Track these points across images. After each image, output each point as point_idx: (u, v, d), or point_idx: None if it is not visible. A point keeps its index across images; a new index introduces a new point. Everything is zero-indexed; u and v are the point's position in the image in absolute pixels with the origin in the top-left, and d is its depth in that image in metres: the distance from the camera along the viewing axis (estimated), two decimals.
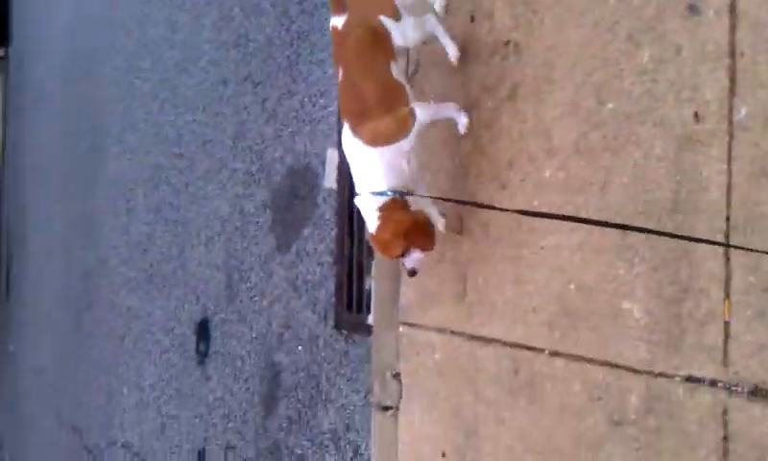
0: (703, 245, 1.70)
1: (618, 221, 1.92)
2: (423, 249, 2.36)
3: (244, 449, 4.44)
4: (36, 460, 9.10)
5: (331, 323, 3.67)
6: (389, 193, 2.29)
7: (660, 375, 1.86)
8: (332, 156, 3.68)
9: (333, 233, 3.71)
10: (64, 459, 7.85)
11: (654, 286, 1.88)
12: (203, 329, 5.01)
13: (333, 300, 3.66)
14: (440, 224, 2.53)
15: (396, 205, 2.31)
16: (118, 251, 6.69)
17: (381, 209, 2.31)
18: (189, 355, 5.20)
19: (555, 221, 2.08)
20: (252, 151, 4.52)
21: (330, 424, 3.62)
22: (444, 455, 2.58)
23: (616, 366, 1.97)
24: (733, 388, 1.70)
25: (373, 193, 2.32)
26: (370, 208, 2.34)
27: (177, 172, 5.56)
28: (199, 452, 4.91)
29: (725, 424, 1.72)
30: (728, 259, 1.71)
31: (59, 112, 8.93)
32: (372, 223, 2.34)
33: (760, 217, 1.66)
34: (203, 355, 5.00)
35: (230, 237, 4.71)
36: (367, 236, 2.60)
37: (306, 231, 3.94)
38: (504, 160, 2.37)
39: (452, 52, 2.49)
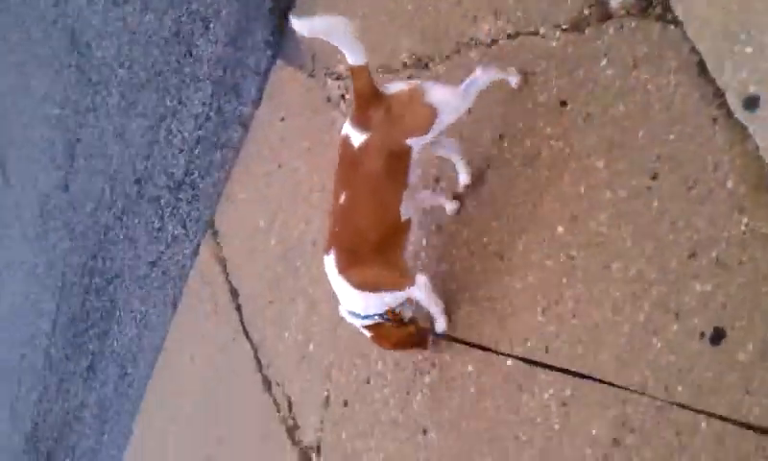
0: None
1: None
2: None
3: None
4: None
5: None
6: (375, 317, 2.22)
7: None
8: None
9: None
10: None
11: None
12: None
13: None
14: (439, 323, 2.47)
15: (384, 325, 2.27)
16: None
17: (368, 328, 2.27)
18: None
19: None
20: None
21: None
22: None
23: None
24: None
25: (356, 316, 2.24)
26: (356, 323, 2.28)
27: None
28: None
29: None
30: None
31: None
32: (363, 331, 2.31)
33: None
34: None
35: None
36: None
37: None
38: None
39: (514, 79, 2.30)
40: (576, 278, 2.15)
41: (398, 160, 2.04)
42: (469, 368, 2.46)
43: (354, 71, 1.95)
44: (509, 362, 2.32)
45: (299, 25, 1.82)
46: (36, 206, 6.17)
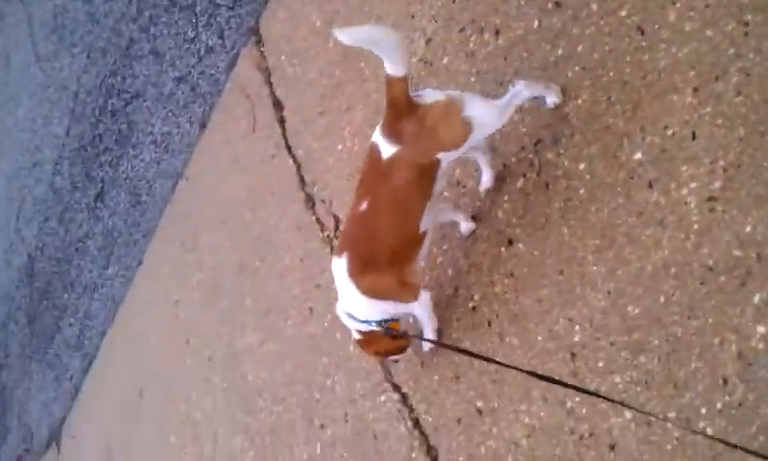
0: None
1: None
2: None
3: None
4: None
5: None
6: (373, 324, 2.16)
7: None
8: None
9: None
10: None
11: None
12: None
13: None
14: None
15: (377, 333, 2.21)
16: None
17: (361, 332, 2.23)
18: None
19: None
20: None
21: None
22: None
23: None
24: None
25: (354, 319, 2.18)
26: (350, 325, 2.23)
27: None
28: None
29: None
30: None
31: None
32: (353, 333, 2.27)
33: None
34: None
35: None
36: None
37: None
38: None
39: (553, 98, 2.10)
40: (749, 47, 1.76)
41: (426, 173, 1.97)
42: (581, 166, 2.10)
43: (391, 81, 1.82)
44: (637, 155, 1.96)
45: (341, 35, 1.70)
46: (51, 21, 5.67)
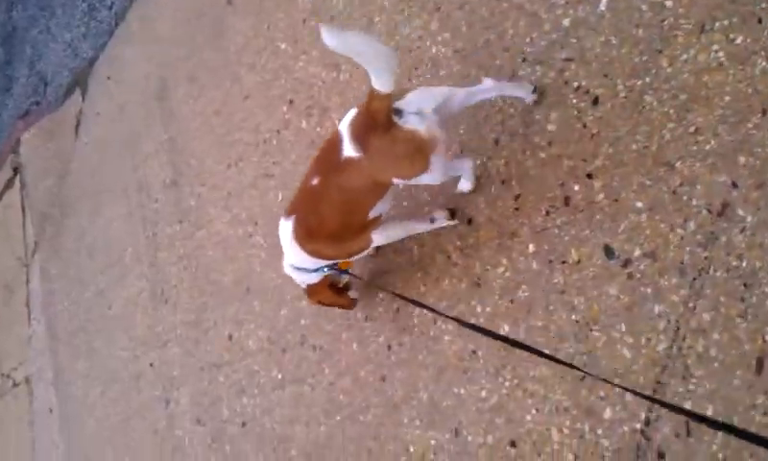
0: None
1: None
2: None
3: None
4: None
5: None
6: (324, 269, 2.14)
7: None
8: None
9: None
10: None
11: None
12: None
13: None
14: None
15: (322, 283, 2.23)
16: None
17: (307, 284, 2.26)
18: None
19: None
20: None
21: None
22: None
23: None
24: None
25: (299, 269, 2.15)
26: (299, 279, 2.23)
27: None
28: None
29: None
30: None
31: None
32: (300, 284, 2.30)
33: None
34: None
35: None
36: None
37: None
38: None
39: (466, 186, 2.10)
40: None
41: (378, 185, 1.89)
42: None
43: (374, 95, 1.66)
44: None
45: (329, 37, 1.44)
46: None
